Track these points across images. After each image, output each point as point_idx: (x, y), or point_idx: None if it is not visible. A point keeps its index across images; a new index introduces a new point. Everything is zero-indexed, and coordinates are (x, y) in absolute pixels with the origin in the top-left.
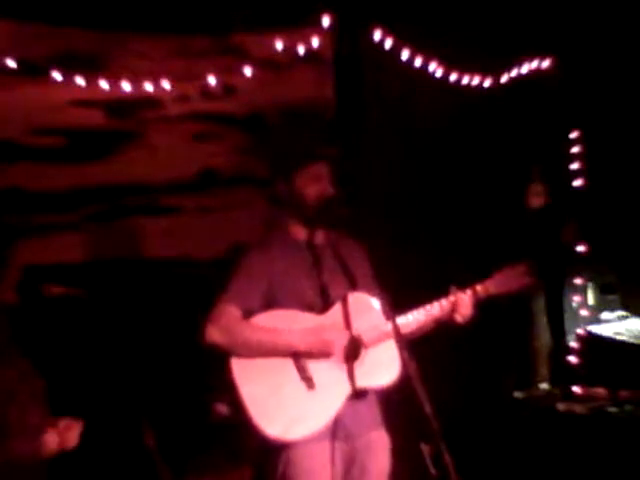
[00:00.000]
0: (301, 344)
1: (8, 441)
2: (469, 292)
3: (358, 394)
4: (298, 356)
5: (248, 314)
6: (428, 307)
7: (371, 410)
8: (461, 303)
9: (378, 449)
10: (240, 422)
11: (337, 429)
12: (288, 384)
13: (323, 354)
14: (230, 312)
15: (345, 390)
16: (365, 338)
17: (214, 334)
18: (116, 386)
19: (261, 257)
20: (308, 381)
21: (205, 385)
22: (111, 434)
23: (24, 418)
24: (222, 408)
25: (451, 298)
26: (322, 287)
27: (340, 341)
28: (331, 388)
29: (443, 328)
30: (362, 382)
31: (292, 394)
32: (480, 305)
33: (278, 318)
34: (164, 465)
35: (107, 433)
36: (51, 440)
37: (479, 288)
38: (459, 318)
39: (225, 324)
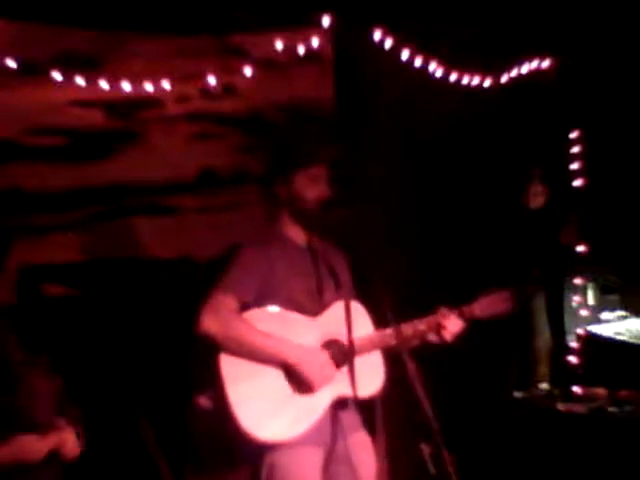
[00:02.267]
0: (290, 358)
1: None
2: (456, 313)
3: (342, 401)
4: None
5: (242, 307)
6: (416, 322)
7: (353, 413)
8: (449, 322)
9: (364, 450)
10: (221, 416)
11: (323, 433)
12: (274, 384)
13: (304, 380)
14: (228, 303)
15: (330, 395)
16: (356, 346)
17: (210, 324)
18: (115, 385)
19: (258, 254)
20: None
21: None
22: (111, 432)
23: (31, 410)
24: (204, 401)
25: (438, 317)
26: (315, 290)
27: (322, 379)
28: (317, 392)
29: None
30: (345, 390)
31: (278, 395)
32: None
33: (270, 316)
34: (164, 461)
35: (107, 431)
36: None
37: (465, 310)
38: (447, 336)
39: (222, 315)
